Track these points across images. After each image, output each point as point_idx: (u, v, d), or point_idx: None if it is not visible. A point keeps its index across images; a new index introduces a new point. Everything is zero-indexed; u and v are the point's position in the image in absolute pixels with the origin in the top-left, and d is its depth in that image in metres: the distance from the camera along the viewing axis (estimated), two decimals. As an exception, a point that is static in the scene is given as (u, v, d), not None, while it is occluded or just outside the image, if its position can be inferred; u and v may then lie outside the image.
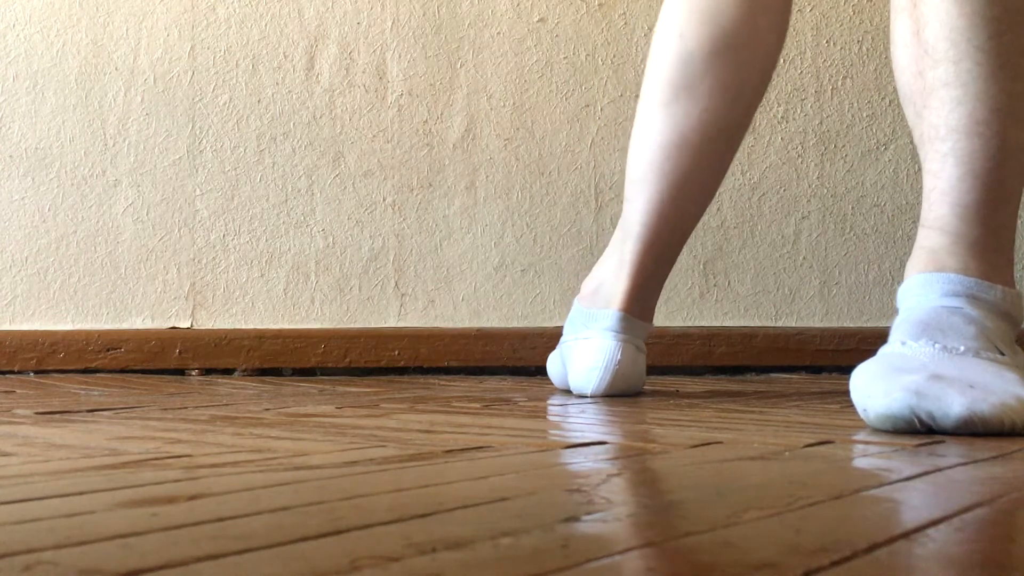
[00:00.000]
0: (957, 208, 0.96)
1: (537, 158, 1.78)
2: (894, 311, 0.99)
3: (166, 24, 1.73)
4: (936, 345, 0.91)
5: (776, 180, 1.83)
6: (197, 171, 1.73)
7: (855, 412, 0.90)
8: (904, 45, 0.98)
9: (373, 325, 1.75)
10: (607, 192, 1.78)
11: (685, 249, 1.80)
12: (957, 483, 0.64)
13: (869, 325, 1.81)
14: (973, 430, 0.82)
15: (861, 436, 0.85)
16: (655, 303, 1.31)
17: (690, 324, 1.80)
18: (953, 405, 0.83)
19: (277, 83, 1.75)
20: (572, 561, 0.42)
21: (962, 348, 0.91)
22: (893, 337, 0.94)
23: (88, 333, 1.68)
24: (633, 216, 1.26)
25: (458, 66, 1.78)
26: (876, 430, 0.86)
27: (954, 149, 0.96)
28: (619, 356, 1.24)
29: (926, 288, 0.96)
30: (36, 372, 1.65)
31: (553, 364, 1.40)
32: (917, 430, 0.84)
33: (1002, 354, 0.91)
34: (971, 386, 0.85)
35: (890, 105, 1.87)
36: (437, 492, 0.59)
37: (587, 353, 1.26)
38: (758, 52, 1.21)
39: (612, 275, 1.30)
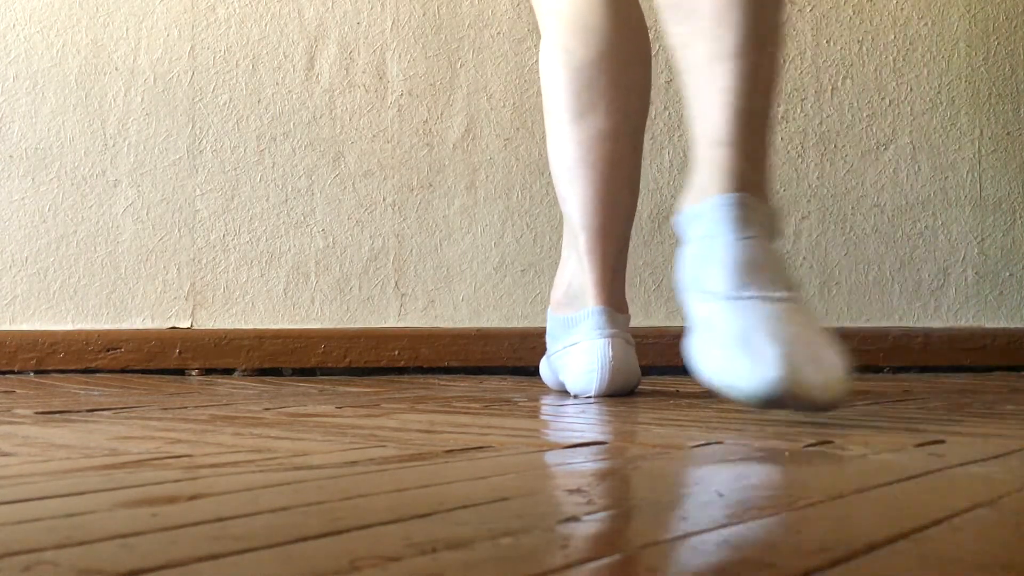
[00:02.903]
0: (728, 112, 1.01)
1: (537, 158, 1.78)
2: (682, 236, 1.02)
3: (166, 24, 1.73)
4: (756, 295, 0.95)
5: (776, 180, 1.83)
6: (197, 171, 1.73)
7: (856, 412, 0.90)
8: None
9: (373, 325, 1.75)
10: (607, 192, 1.78)
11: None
12: (957, 483, 0.64)
13: (869, 325, 1.81)
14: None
15: (861, 436, 0.85)
16: (624, 294, 1.32)
17: (690, 324, 1.80)
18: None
19: (277, 83, 1.75)
20: (572, 561, 0.42)
21: (777, 295, 0.95)
22: (710, 285, 0.97)
23: (88, 333, 1.68)
24: (575, 211, 1.30)
25: (458, 66, 1.78)
26: (876, 430, 0.86)
27: (720, 81, 1.01)
28: (611, 353, 1.25)
29: (719, 212, 0.99)
30: (36, 372, 1.65)
31: (544, 371, 1.40)
32: (788, 407, 0.90)
33: (791, 290, 0.97)
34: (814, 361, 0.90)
35: (890, 105, 1.87)
36: (437, 492, 0.59)
37: (579, 358, 1.26)
38: (633, 52, 1.31)
39: (575, 273, 1.31)
